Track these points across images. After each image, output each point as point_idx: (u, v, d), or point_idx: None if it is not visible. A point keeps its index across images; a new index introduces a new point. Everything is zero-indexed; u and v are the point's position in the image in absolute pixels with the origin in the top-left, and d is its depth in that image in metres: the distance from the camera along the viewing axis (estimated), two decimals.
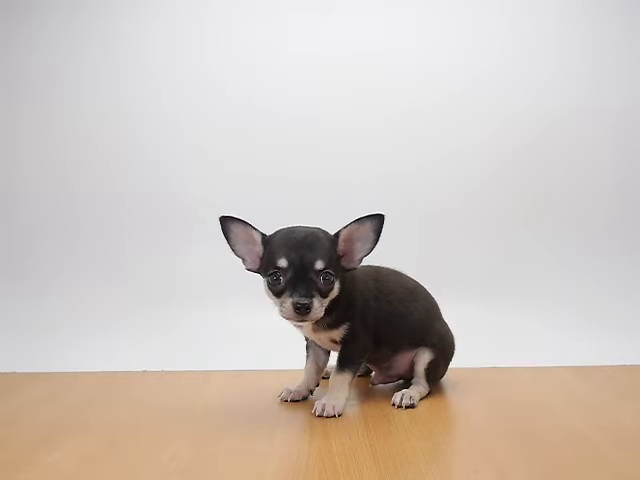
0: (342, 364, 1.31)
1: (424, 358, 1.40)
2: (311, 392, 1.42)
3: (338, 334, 1.32)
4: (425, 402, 1.36)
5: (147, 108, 2.24)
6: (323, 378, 1.47)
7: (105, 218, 2.23)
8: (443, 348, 1.43)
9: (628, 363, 1.68)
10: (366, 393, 1.46)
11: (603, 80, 2.26)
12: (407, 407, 1.32)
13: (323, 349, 1.43)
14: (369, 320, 1.33)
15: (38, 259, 2.21)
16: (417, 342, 1.41)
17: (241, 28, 2.23)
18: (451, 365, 1.48)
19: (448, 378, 1.50)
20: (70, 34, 2.23)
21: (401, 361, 1.42)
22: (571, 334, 1.94)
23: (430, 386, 1.41)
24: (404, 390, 1.37)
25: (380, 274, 1.43)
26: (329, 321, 1.29)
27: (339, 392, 1.30)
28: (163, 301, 2.10)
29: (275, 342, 1.77)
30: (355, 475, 0.99)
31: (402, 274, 1.48)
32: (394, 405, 1.33)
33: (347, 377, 1.30)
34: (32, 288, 2.17)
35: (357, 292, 1.33)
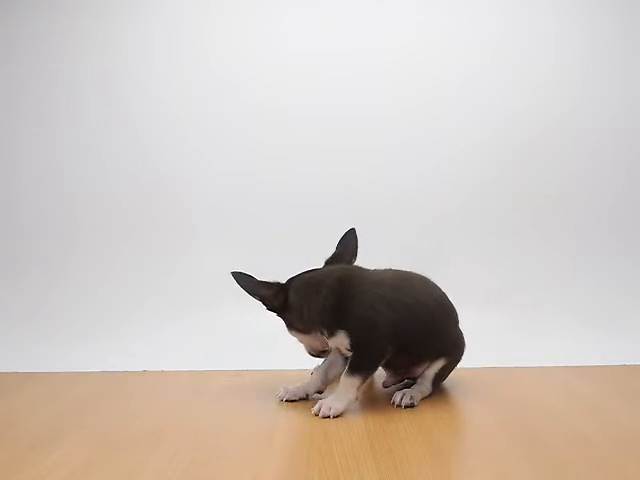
0: (352, 368, 1.28)
1: (438, 364, 1.38)
2: (307, 396, 1.39)
3: (341, 342, 1.31)
4: (426, 402, 1.36)
5: (148, 109, 2.24)
6: None
7: (105, 219, 2.23)
8: (455, 354, 1.43)
9: (629, 363, 1.68)
10: (366, 393, 1.46)
11: (602, 78, 2.26)
12: (406, 407, 1.32)
13: (342, 358, 1.39)
14: (380, 326, 1.29)
15: (38, 259, 2.21)
16: (440, 352, 1.39)
17: (242, 28, 2.24)
18: None
19: (449, 378, 1.49)
20: (71, 36, 2.24)
21: (420, 367, 1.41)
22: (572, 334, 1.94)
23: (433, 388, 1.40)
24: (405, 389, 1.36)
25: (399, 280, 1.39)
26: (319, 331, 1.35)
27: (343, 395, 1.28)
28: (163, 301, 2.11)
29: (275, 342, 1.77)
30: (355, 475, 0.98)
31: (428, 281, 1.43)
32: (394, 404, 1.33)
33: (355, 382, 1.27)
34: (33, 288, 2.17)
35: (355, 301, 1.31)
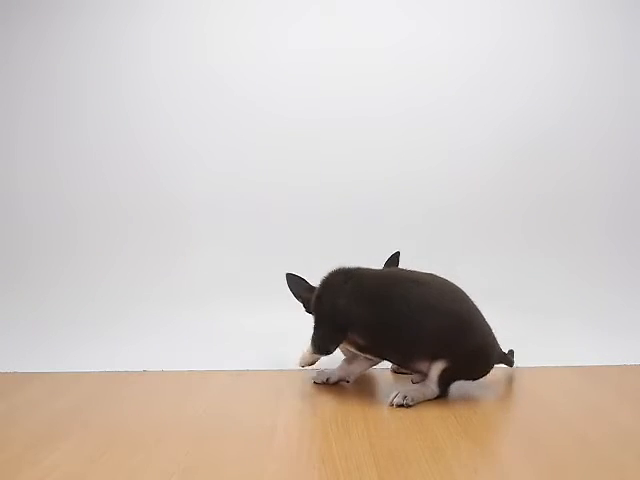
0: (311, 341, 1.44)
1: (438, 365, 1.36)
2: (327, 380, 1.51)
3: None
4: (426, 401, 1.36)
5: (147, 110, 2.24)
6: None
7: (105, 218, 2.23)
8: (460, 358, 1.37)
9: (629, 363, 1.68)
10: (366, 393, 1.46)
11: (602, 78, 2.26)
12: (399, 406, 1.31)
13: (360, 359, 1.50)
14: (334, 310, 1.39)
15: (38, 258, 2.21)
16: (435, 353, 1.36)
17: (240, 29, 2.24)
18: None
19: None
20: (70, 37, 2.24)
21: (420, 365, 1.40)
22: (572, 334, 1.94)
23: (441, 391, 1.37)
24: (401, 389, 1.36)
25: (380, 277, 1.46)
26: None
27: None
28: (163, 301, 2.11)
29: (275, 342, 1.78)
30: (355, 475, 0.98)
31: (430, 283, 1.43)
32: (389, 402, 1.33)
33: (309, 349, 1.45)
34: (32, 288, 2.17)
35: (320, 290, 1.44)
